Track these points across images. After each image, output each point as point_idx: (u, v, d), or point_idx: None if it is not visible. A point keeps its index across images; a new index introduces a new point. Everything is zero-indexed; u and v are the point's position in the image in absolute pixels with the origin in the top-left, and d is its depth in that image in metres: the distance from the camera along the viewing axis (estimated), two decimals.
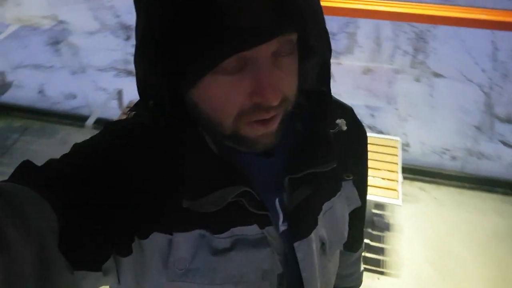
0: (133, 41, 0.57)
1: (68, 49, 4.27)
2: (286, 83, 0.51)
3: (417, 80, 3.72)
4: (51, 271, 0.43)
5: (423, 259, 2.34)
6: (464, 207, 2.59)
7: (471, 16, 1.92)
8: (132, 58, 0.53)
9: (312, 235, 0.63)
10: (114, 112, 2.68)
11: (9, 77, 3.06)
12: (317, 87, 0.61)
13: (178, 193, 0.54)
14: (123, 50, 4.17)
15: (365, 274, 1.18)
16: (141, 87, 0.53)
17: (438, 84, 3.59)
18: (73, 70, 3.98)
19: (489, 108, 3.31)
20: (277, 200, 0.62)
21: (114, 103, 2.66)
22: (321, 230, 0.66)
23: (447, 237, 2.43)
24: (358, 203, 0.76)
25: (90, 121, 2.43)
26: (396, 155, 2.33)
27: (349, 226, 0.73)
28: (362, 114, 3.28)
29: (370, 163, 2.39)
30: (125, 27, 4.55)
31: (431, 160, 2.91)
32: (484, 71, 3.43)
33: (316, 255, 0.65)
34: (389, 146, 2.39)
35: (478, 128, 3.12)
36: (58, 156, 0.56)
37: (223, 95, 0.49)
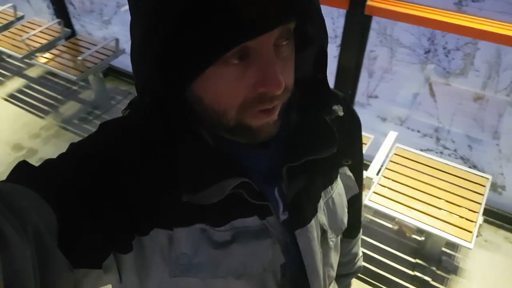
0: None
1: None
2: (287, 72, 0.51)
3: None
4: (51, 270, 0.43)
5: None
6: None
7: None
8: None
9: (313, 222, 0.63)
10: None
11: (125, 46, 3.35)
12: (313, 76, 0.60)
13: (176, 188, 0.53)
14: None
15: None
16: (141, 85, 0.53)
17: None
18: None
19: None
20: (276, 189, 0.62)
21: None
22: (321, 218, 0.66)
23: None
24: (356, 190, 0.77)
25: None
26: (482, 195, 2.10)
27: (348, 213, 0.74)
28: (458, 143, 3.01)
29: (449, 197, 2.19)
30: None
31: None
32: None
33: (318, 243, 0.65)
34: (476, 183, 2.16)
35: None
36: None
37: (227, 86, 0.49)
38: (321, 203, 0.66)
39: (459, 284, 2.20)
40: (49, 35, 3.56)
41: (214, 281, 0.58)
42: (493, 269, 2.27)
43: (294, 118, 0.62)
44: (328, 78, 0.61)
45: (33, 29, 3.60)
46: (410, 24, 2.31)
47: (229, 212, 0.57)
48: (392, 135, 2.43)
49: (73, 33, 3.72)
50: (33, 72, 4.00)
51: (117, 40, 3.25)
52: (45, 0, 4.73)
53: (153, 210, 0.55)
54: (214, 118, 0.53)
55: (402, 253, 2.33)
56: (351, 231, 0.89)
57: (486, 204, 2.11)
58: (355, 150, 0.76)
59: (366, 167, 2.30)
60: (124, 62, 3.68)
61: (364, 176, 2.29)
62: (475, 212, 2.03)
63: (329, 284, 0.74)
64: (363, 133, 0.89)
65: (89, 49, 3.30)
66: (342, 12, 2.28)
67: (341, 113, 0.63)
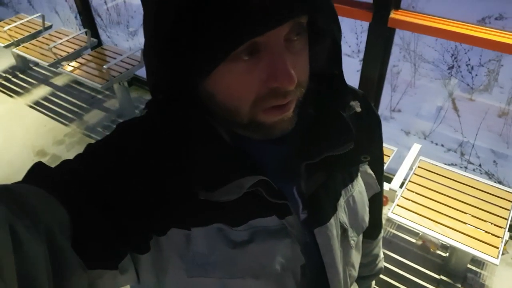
0: None
1: None
2: (299, 67, 0.50)
3: None
4: (64, 270, 0.43)
5: None
6: None
7: None
8: None
9: (332, 221, 0.62)
10: None
11: None
12: (328, 70, 0.59)
13: (193, 186, 0.53)
14: None
15: None
16: (152, 82, 0.54)
17: None
18: None
19: None
20: (294, 188, 0.61)
21: None
22: (342, 216, 0.65)
23: None
24: (377, 189, 0.76)
25: None
26: (508, 210, 2.05)
27: (368, 213, 0.73)
28: (483, 158, 2.95)
29: (475, 212, 2.14)
30: None
31: None
32: None
33: (337, 241, 0.64)
34: (502, 198, 2.11)
35: None
36: None
37: (238, 82, 0.49)
38: (342, 202, 0.65)
39: None
40: (75, 44, 3.66)
41: (232, 281, 0.57)
42: None
43: (310, 114, 0.62)
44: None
45: (60, 38, 3.70)
46: (433, 36, 2.29)
47: (247, 212, 0.57)
48: (416, 147, 2.40)
49: (99, 43, 3.81)
50: (59, 81, 4.10)
51: (142, 50, 3.31)
52: (73, 11, 4.87)
53: (171, 209, 0.54)
54: (227, 115, 0.52)
55: (426, 269, 2.27)
56: (371, 232, 0.87)
57: None
58: (375, 147, 0.75)
59: (389, 179, 2.27)
60: None
61: (387, 189, 2.26)
62: (501, 227, 1.98)
63: (351, 284, 0.73)
64: (385, 145, 0.87)
65: (114, 58, 3.37)
66: (365, 27, 2.28)
67: (358, 109, 0.62)
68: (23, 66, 4.26)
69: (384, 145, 0.77)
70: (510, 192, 2.14)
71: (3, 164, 3.17)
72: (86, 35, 3.65)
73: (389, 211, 2.06)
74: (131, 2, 5.42)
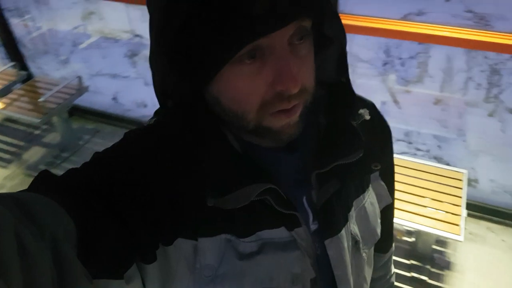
0: None
1: (144, 61, 4.53)
2: (303, 71, 0.50)
3: (490, 115, 3.50)
4: (69, 280, 0.42)
5: None
6: None
7: None
8: None
9: (343, 232, 0.61)
10: None
11: (87, 83, 3.29)
12: (336, 79, 0.60)
13: (201, 194, 0.52)
14: None
15: None
16: (159, 89, 0.53)
17: (511, 121, 3.36)
18: (146, 82, 4.20)
19: None
20: (304, 198, 0.60)
21: None
22: (353, 227, 0.64)
23: None
24: (389, 200, 0.75)
25: None
26: (461, 188, 2.19)
27: (380, 225, 0.71)
28: (429, 144, 3.14)
29: (432, 195, 2.25)
30: None
31: (501, 199, 2.69)
32: None
33: (349, 253, 0.63)
34: (453, 179, 2.25)
35: None
36: None
37: (244, 86, 0.49)
38: (353, 213, 0.64)
39: (454, 278, 2.25)
40: (3, 80, 3.42)
41: None
42: (483, 260, 2.34)
43: (321, 123, 0.62)
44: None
45: None
46: (368, 35, 2.41)
47: (255, 223, 0.56)
48: None
49: (29, 76, 3.60)
50: None
51: (79, 78, 3.18)
52: None
53: (178, 218, 0.54)
54: (234, 119, 0.52)
55: (396, 256, 2.36)
56: (382, 245, 0.84)
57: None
58: (385, 155, 0.74)
59: None
60: (89, 99, 3.60)
61: None
62: (458, 206, 2.10)
63: None
64: None
65: (50, 89, 3.19)
66: None
67: (367, 117, 0.62)
68: None
69: None
70: (460, 172, 2.29)
71: None
72: (14, 68, 3.44)
73: None
74: (57, 30, 5.20)
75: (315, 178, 0.59)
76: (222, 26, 0.45)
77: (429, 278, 2.23)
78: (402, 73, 3.96)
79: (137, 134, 0.59)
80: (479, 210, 2.57)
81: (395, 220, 2.01)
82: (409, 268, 2.30)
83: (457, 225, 2.02)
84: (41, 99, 2.98)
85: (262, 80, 0.48)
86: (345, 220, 0.62)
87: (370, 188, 0.69)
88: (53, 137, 3.55)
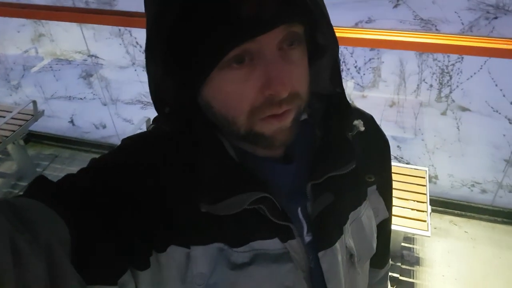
0: None
1: (99, 81, 4.43)
2: (295, 76, 0.50)
3: (443, 113, 3.68)
4: (63, 286, 0.42)
5: None
6: (497, 242, 2.48)
7: (498, 46, 1.92)
8: None
9: (337, 245, 0.61)
10: None
11: (42, 107, 3.18)
12: (331, 89, 0.61)
13: (195, 200, 0.53)
14: None
15: None
16: (155, 95, 0.54)
17: (465, 118, 3.54)
18: (104, 102, 4.11)
19: None
20: (299, 209, 0.60)
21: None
22: (348, 241, 0.63)
23: (481, 274, 2.32)
24: (386, 215, 0.74)
25: None
26: (424, 186, 2.28)
27: (376, 239, 0.71)
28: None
29: (397, 194, 2.30)
30: None
31: (460, 193, 2.83)
32: None
33: (343, 267, 0.63)
34: (416, 177, 2.34)
35: (507, 161, 3.04)
36: None
37: (234, 90, 0.49)
38: (348, 226, 0.64)
39: (425, 273, 2.33)
40: None
41: None
42: (449, 252, 2.44)
43: (318, 135, 0.63)
44: None
45: None
46: None
47: (248, 233, 0.56)
48: None
49: None
50: None
51: (34, 102, 3.06)
52: None
53: (172, 225, 0.54)
54: (225, 124, 0.53)
55: None
56: (379, 260, 0.83)
57: None
58: (382, 169, 0.73)
59: None
60: (45, 124, 3.47)
61: None
62: (423, 202, 2.19)
63: None
64: None
65: (3, 117, 3.06)
66: None
67: (362, 128, 0.62)
68: None
69: None
70: (421, 170, 2.39)
71: None
72: None
73: None
74: (6, 54, 5.00)
75: (310, 190, 0.59)
76: (209, 30, 0.45)
77: (401, 275, 2.30)
78: (358, 79, 4.09)
79: (134, 141, 0.59)
80: (441, 205, 2.69)
81: None
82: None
83: (424, 221, 2.09)
84: None
85: (251, 85, 0.48)
86: (340, 233, 0.62)
87: (367, 202, 0.68)
88: (8, 166, 3.38)
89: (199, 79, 0.49)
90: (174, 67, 0.50)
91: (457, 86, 3.79)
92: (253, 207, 0.53)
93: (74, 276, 0.43)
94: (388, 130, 3.41)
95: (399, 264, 2.35)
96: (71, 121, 3.87)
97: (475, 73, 3.64)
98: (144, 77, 0.56)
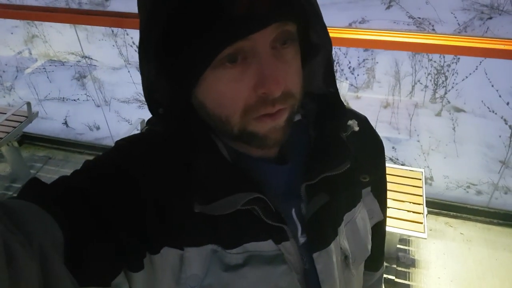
0: None
1: (93, 83, 4.41)
2: (288, 75, 0.50)
3: (438, 114, 3.69)
4: (56, 287, 0.41)
5: None
6: (493, 243, 2.49)
7: (494, 46, 1.91)
8: None
9: (332, 246, 0.61)
10: None
11: (35, 108, 3.15)
12: (325, 89, 0.61)
13: (189, 201, 0.53)
14: None
15: None
16: (149, 95, 0.53)
17: (460, 119, 3.56)
18: (97, 103, 4.09)
19: None
20: (293, 210, 0.60)
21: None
22: (343, 242, 0.64)
23: (476, 275, 2.32)
24: (380, 217, 0.75)
25: None
26: (420, 187, 2.28)
27: (371, 241, 0.71)
28: (384, 147, 3.24)
29: (393, 195, 2.30)
30: None
31: (455, 194, 2.83)
32: (508, 104, 3.39)
33: (338, 268, 0.62)
34: (412, 178, 2.34)
35: (503, 162, 3.05)
36: None
37: (227, 90, 0.49)
38: (343, 227, 0.64)
39: (420, 274, 2.33)
40: None
41: None
42: (444, 254, 2.44)
43: (312, 135, 0.62)
44: None
45: None
46: None
47: (242, 234, 0.56)
48: None
49: None
50: None
51: (28, 103, 3.04)
52: None
53: (165, 226, 0.53)
54: (219, 124, 0.53)
55: None
56: (373, 263, 0.82)
57: None
58: (377, 171, 0.72)
59: None
60: (38, 126, 3.45)
61: None
62: (419, 204, 2.19)
63: None
64: None
65: None
66: None
67: (356, 128, 0.62)
68: None
69: None
70: (417, 171, 2.39)
71: None
72: None
73: None
74: None
75: (304, 190, 0.59)
76: (202, 29, 0.45)
77: (396, 277, 2.30)
78: (352, 80, 4.09)
79: (128, 142, 0.59)
80: (437, 206, 2.69)
81: None
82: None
83: (420, 223, 2.09)
84: None
85: (244, 84, 0.48)
86: (335, 234, 0.62)
87: (361, 203, 0.68)
88: (2, 168, 3.35)
89: (193, 78, 0.49)
90: (167, 66, 0.50)
91: (452, 87, 3.80)
92: (246, 208, 0.53)
93: (67, 278, 0.43)
94: (383, 131, 3.42)
95: (395, 266, 2.35)
96: (65, 123, 3.85)
97: (470, 74, 3.66)
98: (137, 78, 0.55)
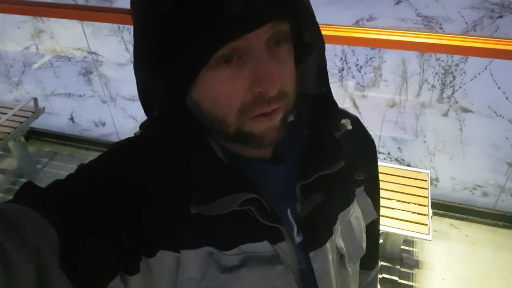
0: None
1: (99, 79, 4.42)
2: (283, 75, 0.51)
3: (445, 114, 3.66)
4: None
5: None
6: (498, 245, 2.47)
7: (503, 47, 1.89)
8: None
9: (328, 245, 0.61)
10: None
11: (42, 104, 3.17)
12: (318, 89, 0.61)
13: (184, 203, 0.53)
14: None
15: None
16: (144, 98, 0.53)
17: (467, 119, 3.52)
18: (103, 99, 4.10)
19: None
20: (288, 210, 0.60)
21: None
22: (338, 241, 0.64)
23: (481, 278, 2.30)
24: (374, 215, 0.76)
25: None
26: (426, 189, 2.26)
27: (366, 240, 0.72)
28: (389, 147, 3.23)
29: (398, 196, 2.29)
30: None
31: (461, 196, 2.81)
32: None
33: (334, 267, 0.63)
34: (418, 179, 2.32)
35: (510, 164, 3.02)
36: None
37: (223, 89, 0.49)
38: (338, 226, 0.64)
39: (424, 276, 2.32)
40: None
41: None
42: (449, 255, 2.43)
43: (306, 135, 0.63)
44: None
45: None
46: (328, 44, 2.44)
47: (238, 235, 0.56)
48: None
49: None
50: None
51: (35, 99, 3.05)
52: None
53: (161, 229, 0.54)
54: (215, 124, 0.53)
55: None
56: (369, 262, 0.83)
57: None
58: (370, 170, 0.73)
59: None
60: (45, 121, 3.47)
61: None
62: (424, 205, 2.17)
63: None
64: None
65: (4, 113, 3.04)
66: None
67: (349, 127, 0.63)
68: None
69: None
70: (423, 173, 2.37)
71: None
72: None
73: None
74: (6, 51, 4.99)
75: (299, 190, 0.59)
76: (197, 28, 0.45)
77: (400, 278, 2.29)
78: (358, 78, 4.07)
79: (122, 145, 0.59)
80: (442, 208, 2.67)
81: None
82: (379, 269, 2.35)
83: (425, 224, 2.08)
84: None
85: (240, 83, 0.48)
86: (330, 233, 0.62)
87: (355, 202, 0.69)
88: (9, 163, 3.38)
89: (188, 79, 0.50)
90: (162, 66, 0.50)
91: (460, 87, 3.77)
92: (242, 208, 0.53)
93: (63, 281, 0.43)
94: (389, 131, 3.39)
95: (398, 267, 2.34)
96: (71, 119, 3.86)
97: (479, 74, 3.62)
98: None
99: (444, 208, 2.68)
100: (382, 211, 2.14)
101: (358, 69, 4.08)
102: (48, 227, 0.45)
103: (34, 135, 3.56)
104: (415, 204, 2.19)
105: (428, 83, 3.88)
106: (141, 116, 2.76)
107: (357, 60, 4.09)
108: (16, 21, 5.43)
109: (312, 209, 0.60)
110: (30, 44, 5.18)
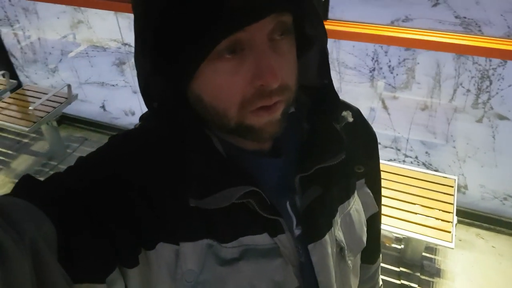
0: None
1: (131, 70, 4.51)
2: (284, 68, 0.50)
3: (479, 121, 3.53)
4: (49, 285, 0.42)
5: None
6: None
7: None
8: None
9: (327, 237, 0.61)
10: None
11: (76, 91, 3.27)
12: (319, 81, 0.60)
13: (183, 196, 0.53)
14: None
15: None
16: (144, 89, 0.53)
17: (502, 127, 3.39)
18: (134, 90, 4.18)
19: None
20: (288, 203, 0.60)
21: None
22: (338, 234, 0.64)
23: None
24: (375, 209, 0.75)
25: None
26: (452, 195, 2.19)
27: (366, 233, 0.71)
28: (416, 150, 3.15)
29: (422, 201, 2.23)
30: None
31: (490, 205, 2.71)
32: None
33: (333, 260, 0.63)
34: (444, 185, 2.25)
35: None
36: None
37: (224, 82, 0.49)
38: (337, 219, 0.64)
39: (444, 285, 2.25)
40: None
41: None
42: (472, 266, 2.35)
43: (306, 127, 0.62)
44: None
45: None
46: (353, 41, 2.40)
47: (237, 228, 0.56)
48: None
49: (19, 85, 3.56)
50: None
51: (69, 86, 3.15)
52: None
53: (160, 221, 0.54)
54: (215, 117, 0.52)
55: (385, 263, 2.36)
56: (370, 255, 0.84)
57: None
58: (371, 163, 0.73)
59: None
60: (77, 108, 3.57)
61: None
62: (449, 212, 2.11)
63: None
64: None
65: (39, 98, 3.16)
66: None
67: (350, 119, 0.63)
68: None
69: None
70: (450, 178, 2.29)
71: None
72: (4, 77, 3.40)
73: None
74: (46, 39, 5.17)
75: (298, 183, 0.59)
76: (199, 20, 0.45)
77: (419, 286, 2.23)
78: (390, 79, 3.98)
79: (121, 138, 0.59)
80: (469, 216, 2.59)
81: (384, 227, 2.02)
82: (398, 275, 2.30)
83: (448, 232, 2.02)
84: (31, 107, 2.94)
85: (242, 76, 0.48)
86: (330, 225, 0.62)
87: (356, 195, 0.69)
88: (41, 146, 3.51)
89: (189, 71, 0.49)
90: (163, 59, 0.50)
91: (497, 92, 3.63)
92: (241, 201, 0.53)
93: (61, 274, 0.43)
94: (418, 135, 3.31)
95: (418, 274, 2.28)
96: (103, 106, 3.97)
97: None
98: None
99: (471, 216, 2.59)
100: (404, 215, 2.10)
101: (390, 70, 4.00)
102: (46, 221, 0.45)
103: (67, 120, 3.69)
104: (439, 210, 2.12)
105: (463, 87, 3.76)
106: None
107: (390, 61, 4.00)
108: (57, 11, 5.61)
109: (311, 201, 0.59)
110: (68, 33, 5.35)
